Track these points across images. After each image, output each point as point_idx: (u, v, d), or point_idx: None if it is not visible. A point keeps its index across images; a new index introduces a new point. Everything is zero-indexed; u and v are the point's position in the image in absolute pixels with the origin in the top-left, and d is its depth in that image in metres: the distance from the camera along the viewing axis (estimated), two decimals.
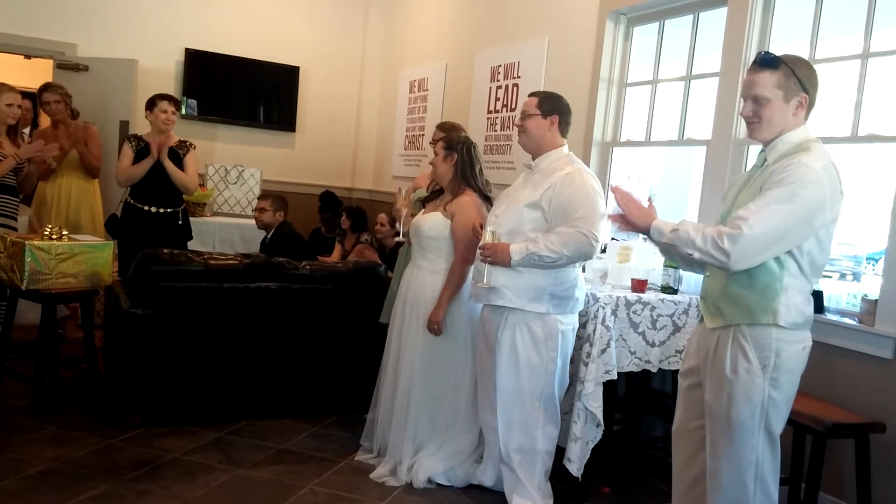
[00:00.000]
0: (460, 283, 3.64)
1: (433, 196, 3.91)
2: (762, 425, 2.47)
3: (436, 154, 3.77)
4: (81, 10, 6.96)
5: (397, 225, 4.00)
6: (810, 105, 2.49)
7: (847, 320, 3.49)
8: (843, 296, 3.83)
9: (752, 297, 2.45)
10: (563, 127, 3.40)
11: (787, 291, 2.42)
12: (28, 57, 7.59)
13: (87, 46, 6.93)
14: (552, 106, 3.36)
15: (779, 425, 2.52)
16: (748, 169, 2.71)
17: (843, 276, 4.82)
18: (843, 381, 3.41)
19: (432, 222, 3.71)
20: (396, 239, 3.98)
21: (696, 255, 2.38)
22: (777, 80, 2.44)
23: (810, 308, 2.51)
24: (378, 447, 3.85)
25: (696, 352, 2.67)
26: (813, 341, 3.46)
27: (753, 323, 2.44)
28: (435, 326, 3.61)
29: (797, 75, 2.43)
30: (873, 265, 4.41)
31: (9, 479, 3.31)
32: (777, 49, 3.93)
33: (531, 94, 3.47)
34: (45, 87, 5.53)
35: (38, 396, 4.14)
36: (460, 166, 3.73)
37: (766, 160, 2.52)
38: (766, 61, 2.46)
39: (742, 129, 3.93)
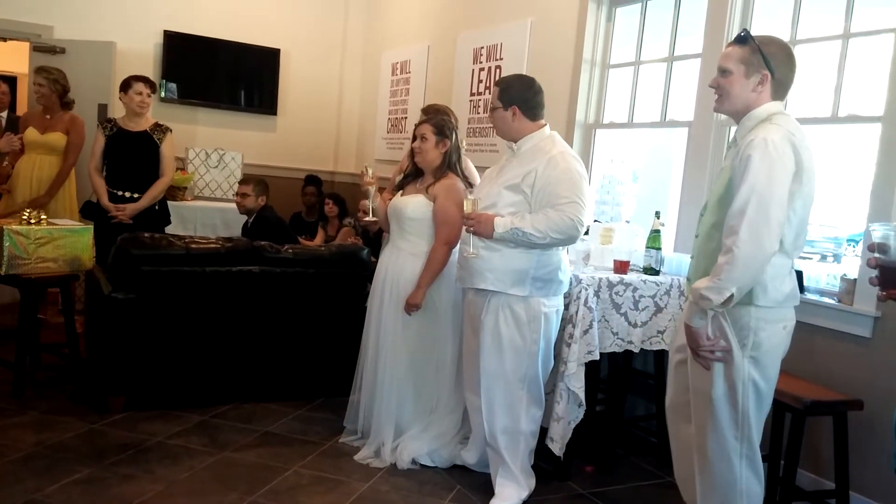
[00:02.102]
0: (441, 266, 3.64)
1: (408, 179, 3.87)
2: (744, 405, 2.50)
3: (423, 138, 3.72)
4: None
5: (366, 202, 3.87)
6: (779, 84, 2.51)
7: (826, 300, 3.53)
8: (822, 276, 3.86)
9: None
10: (530, 112, 3.31)
11: (765, 271, 2.43)
12: (4, 40, 7.48)
13: (63, 28, 6.83)
14: (511, 96, 3.30)
15: (762, 405, 2.55)
16: None
17: (823, 257, 4.86)
18: (823, 360, 3.45)
19: (415, 204, 3.70)
20: (367, 218, 3.88)
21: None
22: (742, 55, 2.50)
23: (790, 285, 2.53)
24: (362, 429, 3.86)
25: (681, 328, 2.70)
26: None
27: (732, 305, 2.45)
28: (413, 310, 3.61)
29: (762, 52, 2.47)
30: (853, 247, 4.45)
31: None
32: (758, 31, 3.97)
33: (495, 84, 3.42)
34: (37, 69, 5.46)
35: (19, 381, 4.11)
36: (449, 153, 3.72)
37: (735, 139, 2.56)
38: (738, 38, 2.53)
39: None
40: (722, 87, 2.55)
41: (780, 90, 2.53)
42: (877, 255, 2.07)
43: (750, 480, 2.57)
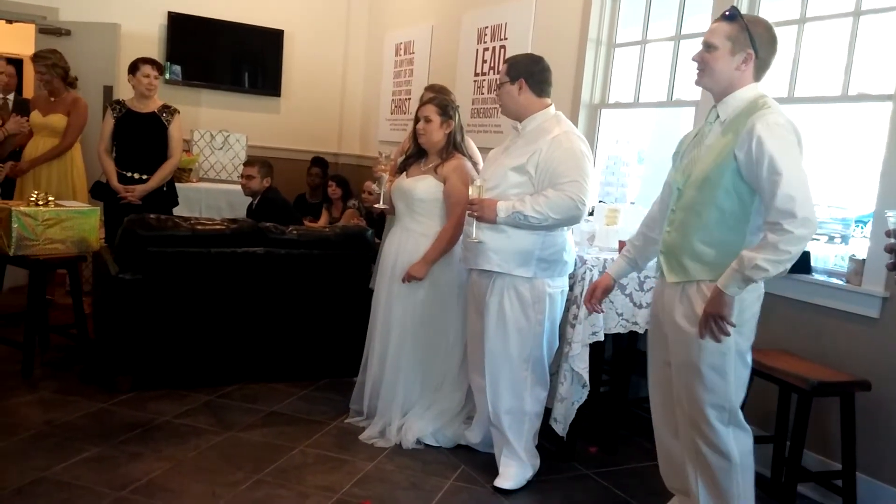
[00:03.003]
0: (450, 246, 3.64)
1: (411, 160, 3.84)
2: (734, 371, 2.57)
3: (428, 119, 3.69)
4: None
5: (375, 187, 3.82)
6: (762, 65, 2.56)
7: (834, 280, 3.52)
8: (830, 257, 3.84)
9: (716, 254, 2.53)
10: (536, 87, 3.29)
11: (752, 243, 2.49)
12: (10, 22, 7.47)
13: (68, 10, 6.82)
14: (518, 70, 3.29)
15: (745, 371, 2.62)
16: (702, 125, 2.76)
17: (831, 238, 4.84)
18: (830, 341, 3.44)
19: (426, 185, 3.68)
20: (378, 206, 3.83)
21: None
22: (729, 32, 2.53)
23: None
24: (367, 409, 3.87)
25: (660, 306, 2.75)
26: (800, 301, 3.53)
27: (716, 279, 2.49)
28: (413, 281, 3.62)
29: (750, 31, 2.51)
30: (862, 228, 4.42)
31: (2, 442, 3.32)
32: (767, 8, 3.95)
33: (505, 60, 3.42)
34: (33, 57, 5.45)
35: (28, 361, 4.14)
36: (454, 133, 3.71)
37: (718, 116, 2.59)
38: (727, 15, 2.56)
39: None
40: (705, 62, 2.58)
41: (760, 71, 2.58)
42: (892, 240, 2.09)
43: (740, 439, 2.63)
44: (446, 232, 3.63)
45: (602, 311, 3.10)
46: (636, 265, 3.00)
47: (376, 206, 3.86)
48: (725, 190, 2.50)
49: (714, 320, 2.46)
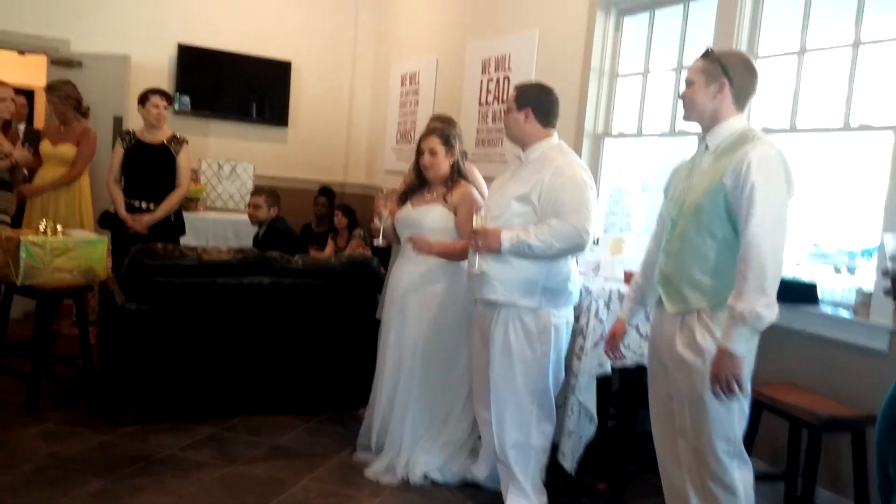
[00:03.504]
0: (457, 257, 3.62)
1: (414, 190, 3.83)
2: (737, 404, 2.54)
3: (433, 152, 3.69)
4: (74, 5, 6.91)
5: (376, 221, 3.78)
6: (740, 92, 2.62)
7: (842, 312, 3.49)
8: (837, 289, 3.82)
9: (715, 282, 2.54)
10: (542, 117, 3.32)
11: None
12: (22, 53, 7.56)
13: (80, 42, 6.89)
14: (526, 99, 3.32)
15: (746, 401, 2.60)
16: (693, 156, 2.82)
17: (837, 269, 4.80)
18: (838, 374, 3.40)
19: (436, 215, 3.68)
20: (377, 242, 3.80)
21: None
22: (702, 66, 2.64)
23: None
24: (375, 445, 3.81)
25: (659, 338, 2.75)
26: (807, 333, 3.50)
27: (715, 307, 2.52)
28: (419, 246, 3.62)
29: (721, 62, 2.62)
30: (868, 259, 4.40)
31: (4, 474, 3.31)
32: (767, 38, 3.97)
33: (514, 87, 3.45)
34: (47, 88, 5.52)
35: (33, 392, 4.13)
36: (457, 161, 3.73)
37: (707, 147, 2.67)
38: (703, 53, 2.69)
39: None
40: (686, 97, 2.69)
41: (741, 98, 2.64)
42: (889, 264, 2.08)
43: (743, 472, 2.60)
44: (463, 247, 3.53)
45: (625, 359, 3.08)
46: (643, 303, 3.00)
47: (375, 241, 3.86)
48: (719, 217, 2.52)
49: (727, 383, 2.43)
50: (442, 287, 3.66)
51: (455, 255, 3.64)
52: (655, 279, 2.78)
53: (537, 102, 3.31)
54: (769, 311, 2.37)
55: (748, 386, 2.58)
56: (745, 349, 2.42)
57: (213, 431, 4.02)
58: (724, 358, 2.42)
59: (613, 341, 3.01)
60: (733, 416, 2.55)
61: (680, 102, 2.76)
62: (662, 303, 2.71)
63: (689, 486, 2.68)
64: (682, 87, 2.72)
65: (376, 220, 3.79)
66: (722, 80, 2.60)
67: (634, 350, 3.61)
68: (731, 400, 2.47)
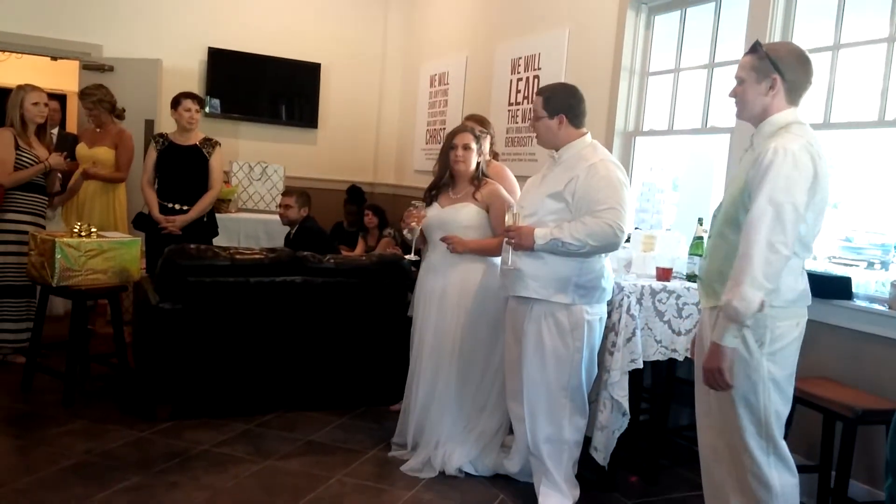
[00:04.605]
0: (492, 253, 3.63)
1: (442, 189, 3.84)
2: (765, 402, 2.52)
3: (467, 147, 3.70)
4: (106, 11, 7.03)
5: (407, 235, 3.75)
6: (793, 87, 2.55)
7: (876, 306, 3.46)
8: (871, 283, 3.78)
9: None
10: (575, 120, 3.31)
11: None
12: (55, 59, 7.69)
13: (112, 47, 7.01)
14: (557, 104, 3.30)
15: (784, 401, 2.56)
16: None
17: (870, 264, 4.76)
18: (873, 367, 3.37)
19: (468, 213, 3.69)
20: (409, 257, 3.82)
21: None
22: (752, 62, 2.58)
23: (802, 283, 2.57)
24: (412, 442, 3.82)
25: (700, 331, 2.75)
26: (841, 328, 3.47)
27: None
28: (454, 244, 3.61)
29: (770, 57, 2.54)
30: None
31: (42, 471, 3.37)
32: (801, 34, 3.94)
33: (538, 93, 3.42)
34: (80, 94, 5.62)
35: (69, 391, 4.20)
36: (480, 160, 3.77)
37: (752, 143, 2.61)
38: (750, 48, 2.61)
39: None
40: (738, 96, 2.63)
41: (794, 94, 2.57)
42: None
43: (782, 474, 2.57)
44: (497, 242, 3.54)
45: None
46: None
47: (406, 256, 3.88)
48: (744, 210, 2.48)
49: (713, 375, 2.45)
50: (477, 283, 3.67)
51: (489, 251, 3.65)
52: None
53: (568, 107, 3.30)
54: (744, 305, 2.33)
55: (787, 387, 2.55)
56: (733, 342, 2.40)
57: (247, 428, 4.06)
58: (711, 349, 2.45)
59: None
60: (761, 412, 2.53)
61: (732, 100, 2.67)
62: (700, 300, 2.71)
63: (726, 482, 2.66)
64: (734, 85, 2.64)
65: (407, 234, 3.77)
66: (773, 77, 2.53)
67: (666, 345, 3.60)
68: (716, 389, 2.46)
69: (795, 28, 4.00)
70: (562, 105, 3.30)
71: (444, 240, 3.66)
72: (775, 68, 2.53)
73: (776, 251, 2.34)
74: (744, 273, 2.34)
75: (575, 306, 3.25)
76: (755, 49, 2.59)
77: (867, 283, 3.70)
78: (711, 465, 2.79)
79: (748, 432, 2.54)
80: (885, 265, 4.38)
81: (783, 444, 2.59)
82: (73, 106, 8.89)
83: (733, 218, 2.54)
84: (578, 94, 3.36)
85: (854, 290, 3.58)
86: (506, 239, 3.25)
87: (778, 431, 2.57)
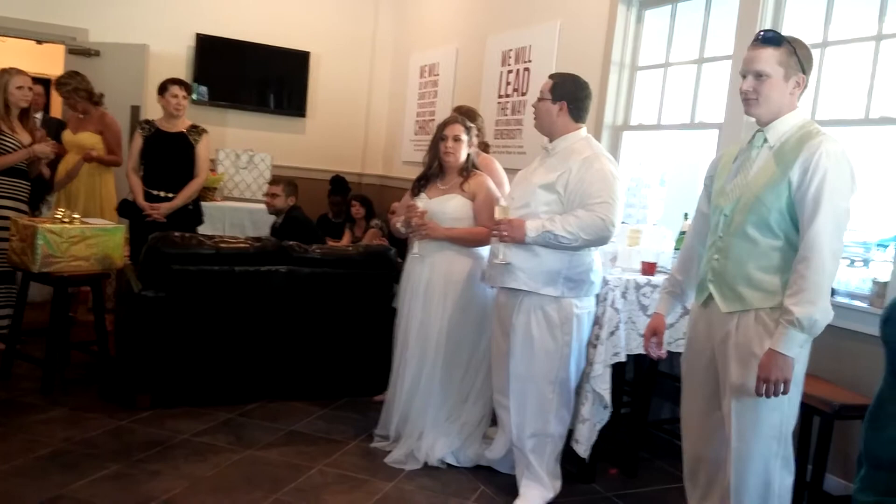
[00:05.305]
0: (475, 244, 3.64)
1: (430, 179, 3.82)
2: (788, 401, 2.47)
3: (457, 139, 3.69)
4: None
5: (399, 226, 3.76)
6: (806, 85, 2.51)
7: (857, 303, 3.48)
8: (852, 280, 3.81)
9: (776, 281, 2.45)
10: (576, 112, 3.31)
11: None
12: (40, 42, 7.61)
13: (98, 32, 6.95)
14: (563, 91, 3.29)
15: (797, 403, 2.54)
16: (742, 148, 2.67)
17: (852, 262, 4.79)
18: (852, 364, 3.40)
19: (456, 204, 3.68)
20: (414, 253, 3.75)
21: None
22: (779, 58, 2.44)
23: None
24: (394, 433, 3.81)
25: (705, 336, 2.66)
26: None
27: (776, 306, 2.43)
28: (426, 231, 3.60)
29: (798, 55, 2.44)
30: (883, 251, 4.37)
31: (20, 458, 3.35)
32: (790, 31, 3.93)
33: (550, 76, 3.41)
34: (55, 84, 5.57)
35: (49, 378, 4.17)
36: (470, 152, 3.76)
37: (765, 140, 2.52)
38: (768, 38, 2.46)
39: None
40: (759, 91, 2.47)
41: (803, 90, 2.52)
42: None
43: (783, 475, 2.55)
44: (481, 233, 3.57)
45: (664, 355, 2.98)
46: (681, 299, 2.91)
47: (415, 252, 3.82)
48: (780, 213, 2.43)
49: (776, 385, 2.37)
50: (463, 273, 3.66)
51: (468, 241, 3.64)
52: (701, 275, 2.68)
53: (573, 97, 3.29)
54: (825, 316, 2.32)
55: (799, 389, 2.54)
56: (797, 353, 2.36)
57: (228, 417, 4.05)
58: (776, 360, 2.35)
59: (656, 338, 2.87)
60: (782, 417, 2.50)
61: (742, 95, 2.54)
62: (708, 299, 2.62)
63: (731, 481, 2.59)
64: (751, 79, 2.48)
65: (402, 228, 3.76)
66: (800, 76, 2.46)
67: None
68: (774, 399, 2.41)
69: (784, 25, 4.00)
70: (567, 93, 3.29)
71: (419, 226, 3.64)
72: (802, 69, 2.46)
73: (837, 260, 2.35)
74: (820, 286, 2.31)
75: (564, 300, 3.24)
76: (778, 42, 2.44)
77: (848, 281, 3.72)
78: (711, 465, 2.75)
79: (768, 436, 2.49)
80: (866, 262, 4.41)
81: (790, 447, 2.56)
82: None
83: (763, 219, 2.45)
84: (587, 89, 3.35)
85: (835, 286, 3.59)
86: (495, 232, 3.23)
87: (791, 433, 2.54)
